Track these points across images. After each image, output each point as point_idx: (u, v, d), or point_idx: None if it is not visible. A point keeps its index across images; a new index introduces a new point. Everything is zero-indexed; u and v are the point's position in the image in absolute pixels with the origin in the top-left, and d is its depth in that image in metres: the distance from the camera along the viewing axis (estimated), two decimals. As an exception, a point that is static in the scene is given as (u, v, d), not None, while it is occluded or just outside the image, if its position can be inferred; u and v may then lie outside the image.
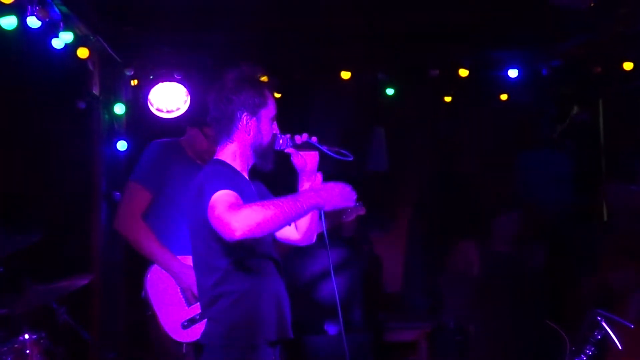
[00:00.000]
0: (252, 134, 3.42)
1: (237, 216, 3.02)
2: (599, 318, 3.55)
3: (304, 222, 3.57)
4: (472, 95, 6.84)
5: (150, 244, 4.47)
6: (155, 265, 4.48)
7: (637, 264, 4.72)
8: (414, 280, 7.87)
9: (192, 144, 4.68)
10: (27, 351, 4.20)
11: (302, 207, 3.17)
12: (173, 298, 4.45)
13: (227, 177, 3.25)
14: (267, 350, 3.29)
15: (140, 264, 5.66)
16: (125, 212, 4.55)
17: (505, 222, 6.06)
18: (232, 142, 3.44)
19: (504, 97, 6.72)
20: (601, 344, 3.59)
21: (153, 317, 4.49)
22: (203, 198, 3.17)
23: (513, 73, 6.33)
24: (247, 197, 3.24)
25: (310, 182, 3.53)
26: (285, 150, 3.50)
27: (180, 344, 4.42)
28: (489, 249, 6.14)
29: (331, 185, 3.32)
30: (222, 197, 3.10)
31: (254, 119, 3.41)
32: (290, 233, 3.61)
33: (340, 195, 3.32)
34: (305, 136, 3.48)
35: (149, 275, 4.50)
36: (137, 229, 4.50)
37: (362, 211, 4.65)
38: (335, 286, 3.51)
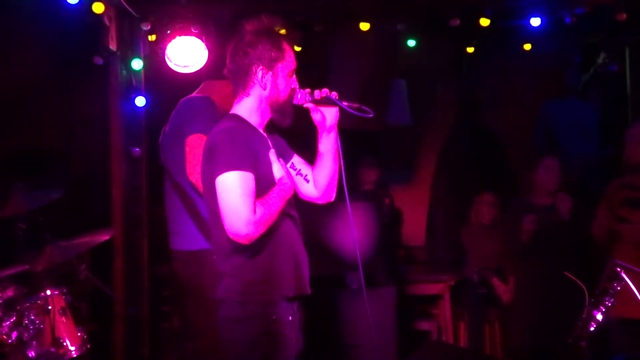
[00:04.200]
0: (268, 88, 3.38)
1: (247, 223, 3.09)
2: (618, 269, 3.52)
3: (322, 179, 3.54)
4: (495, 45, 6.76)
5: None
6: None
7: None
8: (437, 234, 7.89)
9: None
10: (49, 307, 4.27)
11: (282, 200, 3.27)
12: None
13: (241, 142, 3.23)
14: (285, 305, 3.29)
15: (161, 218, 5.69)
16: (198, 163, 4.46)
17: (547, 171, 5.98)
18: (248, 96, 3.41)
19: (527, 46, 6.62)
20: (620, 295, 3.58)
21: None
22: (214, 166, 3.18)
23: (535, 22, 6.23)
24: (260, 158, 3.25)
25: (329, 139, 3.50)
26: (304, 106, 3.46)
27: None
28: (526, 201, 6.05)
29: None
30: (234, 187, 3.13)
31: (270, 72, 3.37)
32: (309, 190, 3.60)
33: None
34: (325, 91, 3.43)
35: None
36: None
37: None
38: (355, 240, 3.52)
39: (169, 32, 5.84)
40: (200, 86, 4.73)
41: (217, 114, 4.51)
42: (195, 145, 4.33)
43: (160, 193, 4.92)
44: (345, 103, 3.41)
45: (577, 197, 5.97)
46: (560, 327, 4.14)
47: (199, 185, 4.32)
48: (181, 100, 4.59)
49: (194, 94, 4.65)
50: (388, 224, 6.89)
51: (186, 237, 4.50)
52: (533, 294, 5.92)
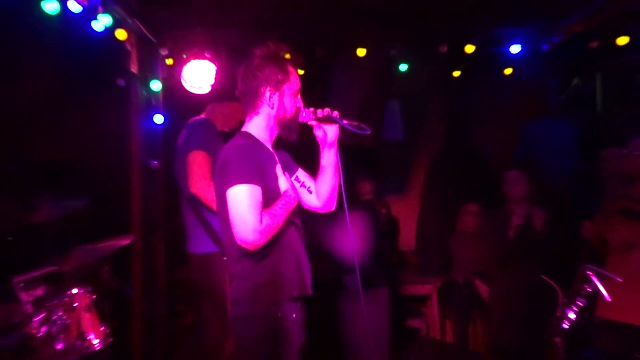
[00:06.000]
0: (275, 107, 3.42)
1: (253, 231, 3.13)
2: (589, 273, 3.55)
3: (323, 190, 3.58)
4: (479, 69, 6.79)
5: None
6: None
7: (633, 223, 4.70)
8: (426, 240, 7.90)
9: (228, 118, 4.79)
10: (75, 304, 4.28)
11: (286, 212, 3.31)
12: None
13: (250, 157, 3.26)
14: (289, 304, 3.33)
15: (177, 225, 5.73)
16: (200, 176, 4.47)
17: (514, 183, 5.96)
18: (257, 115, 3.45)
19: (508, 71, 6.67)
20: (591, 296, 3.60)
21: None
22: (225, 179, 3.22)
23: (515, 49, 6.28)
24: (267, 172, 3.29)
25: (330, 153, 3.54)
26: (308, 123, 3.50)
27: None
28: (502, 211, 6.05)
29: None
30: (242, 199, 3.16)
31: (277, 93, 3.42)
32: (312, 201, 3.63)
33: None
34: (327, 110, 3.47)
35: None
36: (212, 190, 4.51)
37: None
38: (353, 246, 3.54)
39: (184, 56, 5.89)
40: (206, 108, 4.84)
41: (216, 133, 4.63)
42: (195, 160, 4.43)
43: (175, 202, 4.98)
44: (345, 121, 3.44)
45: (554, 207, 5.97)
46: (537, 325, 4.17)
47: (200, 196, 4.40)
48: (186, 122, 4.70)
49: (197, 117, 4.76)
50: (384, 231, 6.89)
51: (198, 242, 4.57)
52: (512, 296, 5.91)
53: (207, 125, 4.69)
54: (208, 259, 4.52)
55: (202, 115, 4.84)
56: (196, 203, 4.51)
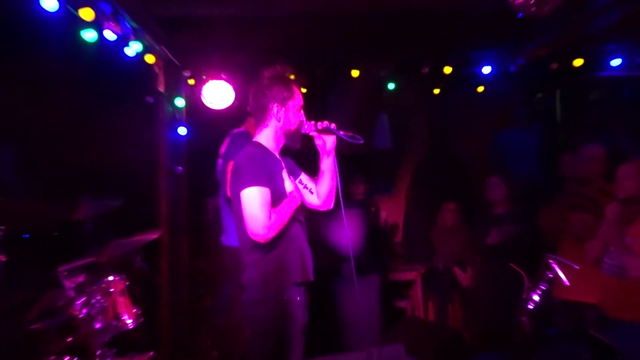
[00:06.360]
0: (282, 120, 3.42)
1: (263, 227, 3.13)
2: (550, 261, 3.56)
3: (323, 191, 3.57)
4: (456, 87, 6.80)
5: None
6: None
7: (584, 217, 4.72)
8: (411, 233, 7.89)
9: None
10: (111, 289, 4.28)
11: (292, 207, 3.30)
12: None
13: (260, 163, 3.26)
14: (294, 289, 3.32)
15: (199, 221, 5.72)
16: None
17: (494, 188, 5.96)
18: (266, 127, 3.45)
19: (480, 88, 6.68)
20: (552, 281, 3.61)
21: None
22: (239, 182, 3.21)
23: (486, 70, 6.30)
24: (275, 176, 3.29)
25: (328, 160, 3.53)
26: (310, 134, 3.50)
27: None
28: (487, 213, 6.02)
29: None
30: (254, 199, 3.16)
31: (283, 109, 3.42)
32: (313, 200, 3.63)
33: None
34: (326, 123, 3.47)
35: None
36: None
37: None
38: (348, 238, 3.54)
39: (204, 77, 5.90)
40: (246, 121, 4.83)
41: None
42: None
43: (197, 202, 4.98)
44: (341, 132, 3.44)
45: (523, 207, 5.96)
46: (507, 306, 4.17)
47: None
48: (230, 132, 4.70)
49: (239, 129, 4.75)
50: (375, 227, 6.89)
51: (232, 236, 4.57)
52: (489, 282, 5.91)
53: (246, 137, 4.69)
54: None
55: (243, 128, 4.84)
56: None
